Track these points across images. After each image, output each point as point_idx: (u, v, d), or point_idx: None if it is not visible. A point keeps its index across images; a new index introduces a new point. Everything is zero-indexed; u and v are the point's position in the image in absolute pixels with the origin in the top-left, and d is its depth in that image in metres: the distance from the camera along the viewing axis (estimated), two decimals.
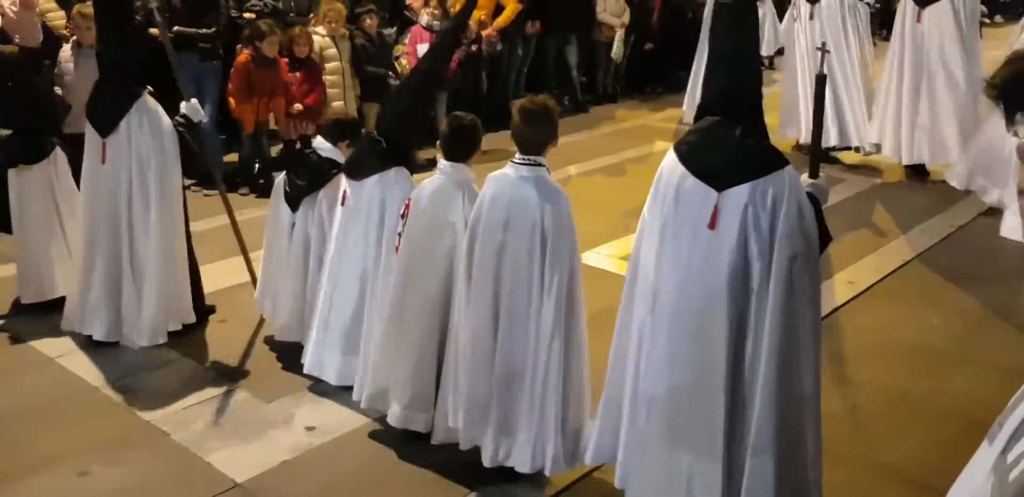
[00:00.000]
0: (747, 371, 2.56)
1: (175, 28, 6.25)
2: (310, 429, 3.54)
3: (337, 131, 4.01)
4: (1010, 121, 0.68)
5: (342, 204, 3.65)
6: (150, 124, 4.00)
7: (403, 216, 3.33)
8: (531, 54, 9.02)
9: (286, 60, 6.43)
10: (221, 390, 3.83)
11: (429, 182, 3.29)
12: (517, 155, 3.01)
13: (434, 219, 3.23)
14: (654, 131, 8.77)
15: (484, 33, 8.03)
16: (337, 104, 6.61)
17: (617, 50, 9.61)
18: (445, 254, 3.23)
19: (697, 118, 2.67)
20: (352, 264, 3.64)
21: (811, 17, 7.39)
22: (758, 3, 8.20)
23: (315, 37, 6.61)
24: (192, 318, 4.28)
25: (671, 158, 2.65)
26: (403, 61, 7.35)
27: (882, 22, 11.72)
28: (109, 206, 4.05)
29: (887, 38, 8.47)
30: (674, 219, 2.60)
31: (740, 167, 2.51)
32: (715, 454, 2.60)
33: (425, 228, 3.25)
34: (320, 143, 4.01)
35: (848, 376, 4.04)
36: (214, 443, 3.43)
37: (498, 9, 8.26)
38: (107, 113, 4.00)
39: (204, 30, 6.44)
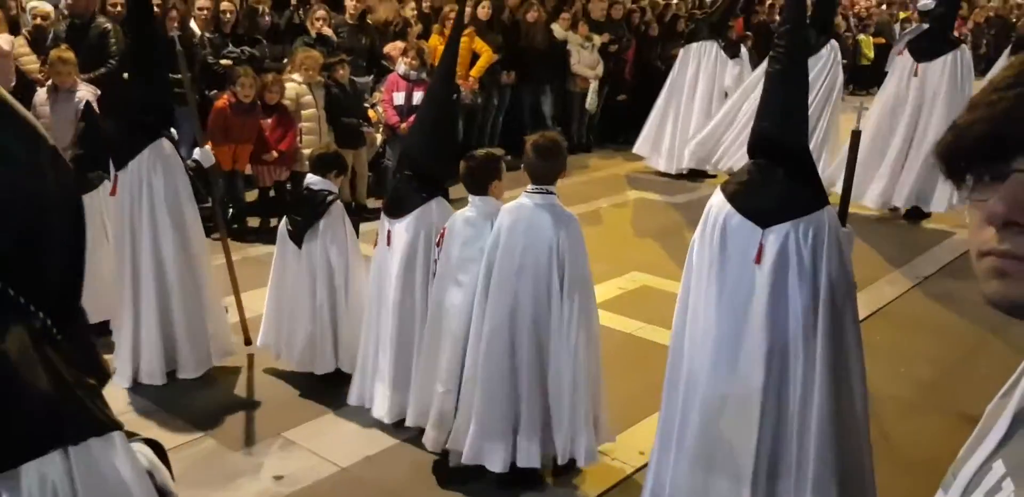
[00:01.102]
0: (791, 404, 2.74)
1: None
2: (278, 478, 3.48)
3: (323, 164, 4.19)
4: (960, 186, 0.70)
5: (388, 244, 3.78)
6: (163, 165, 4.09)
7: (437, 244, 3.56)
8: (507, 104, 9.16)
9: (224, 103, 6.46)
10: (193, 437, 3.77)
11: (461, 213, 3.52)
12: (530, 186, 3.31)
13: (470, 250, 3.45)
14: (627, 180, 8.89)
15: (463, 83, 8.16)
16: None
17: (591, 101, 9.78)
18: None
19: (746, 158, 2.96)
20: (412, 299, 3.72)
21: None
22: (735, 59, 8.55)
23: (291, 84, 6.67)
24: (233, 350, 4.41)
25: (718, 198, 2.88)
26: (379, 109, 7.42)
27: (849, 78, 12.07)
28: (124, 238, 4.14)
29: (853, 92, 8.78)
30: (721, 254, 2.81)
31: (784, 206, 2.75)
32: (744, 481, 2.78)
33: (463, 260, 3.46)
34: (311, 178, 4.19)
35: None
36: (179, 492, 3.34)
37: (475, 59, 8.40)
38: (121, 148, 4.12)
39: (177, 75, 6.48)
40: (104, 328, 4.34)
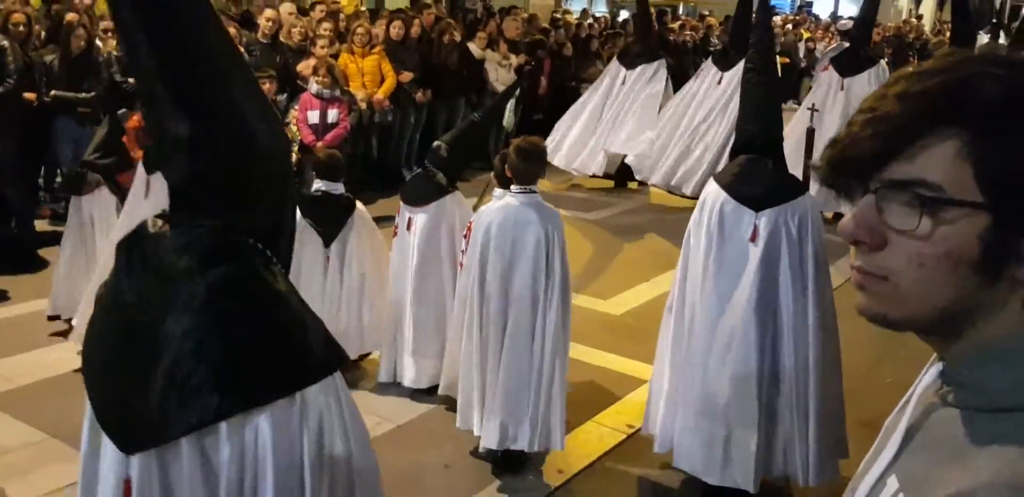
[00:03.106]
0: (786, 353, 3.27)
1: (52, 92, 6.06)
2: None
3: (329, 169, 4.47)
4: (847, 200, 0.74)
5: (407, 229, 4.26)
6: None
7: (465, 237, 3.87)
8: (423, 121, 9.13)
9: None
10: None
11: (488, 208, 3.79)
12: (514, 186, 3.63)
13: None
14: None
15: (375, 101, 8.11)
16: None
17: (508, 119, 9.80)
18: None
19: (732, 157, 3.52)
20: (433, 280, 4.24)
21: (719, 82, 8.26)
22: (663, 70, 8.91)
23: None
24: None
25: (713, 187, 3.42)
26: (293, 128, 7.30)
27: None
28: None
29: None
30: (720, 235, 3.33)
31: (773, 193, 3.31)
32: (752, 426, 3.26)
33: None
34: (322, 184, 4.43)
35: None
36: None
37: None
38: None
39: (83, 94, 6.27)
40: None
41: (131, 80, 6.69)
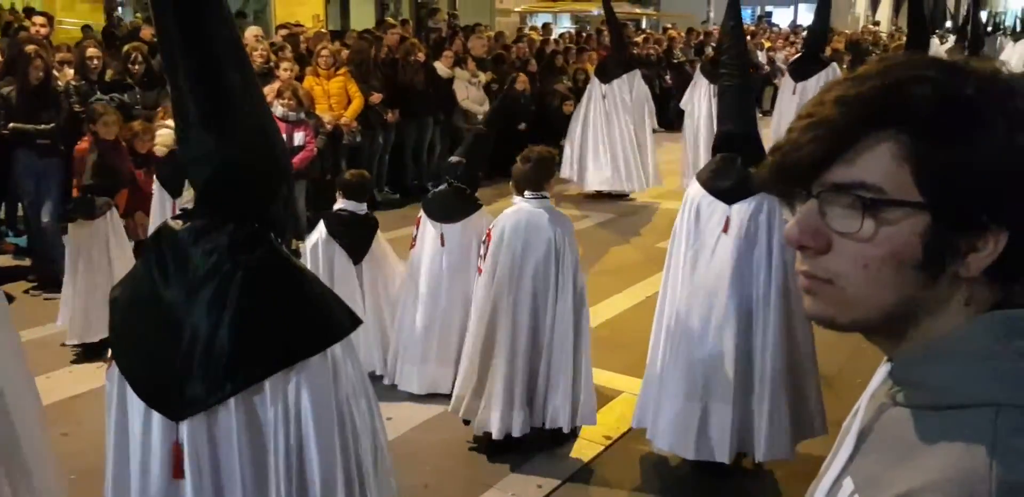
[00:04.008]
0: (759, 335, 3.51)
1: (11, 125, 5.99)
2: None
3: (354, 190, 4.71)
4: (788, 206, 0.75)
5: (442, 245, 4.44)
6: None
7: (484, 243, 4.04)
8: (391, 142, 9.12)
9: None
10: None
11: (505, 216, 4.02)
12: (526, 192, 3.87)
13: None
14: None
15: (342, 122, 8.10)
16: None
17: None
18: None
19: (713, 155, 3.80)
20: (462, 290, 4.41)
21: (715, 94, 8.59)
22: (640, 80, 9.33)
23: (165, 130, 6.45)
24: None
25: (694, 185, 3.71)
26: None
27: None
28: None
29: None
30: (695, 226, 3.61)
31: (744, 187, 3.50)
32: (727, 401, 3.52)
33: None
34: (352, 205, 4.66)
35: None
36: None
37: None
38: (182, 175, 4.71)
39: (43, 126, 6.20)
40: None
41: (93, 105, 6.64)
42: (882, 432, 0.87)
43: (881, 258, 0.83)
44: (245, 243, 2.05)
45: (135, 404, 2.03)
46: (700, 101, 8.87)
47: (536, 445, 4.00)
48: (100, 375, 4.49)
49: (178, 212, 4.42)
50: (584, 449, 4.10)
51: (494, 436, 3.87)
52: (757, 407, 3.53)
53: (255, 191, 2.11)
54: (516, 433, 3.84)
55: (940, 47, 15.69)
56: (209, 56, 2.00)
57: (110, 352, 2.17)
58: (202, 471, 1.98)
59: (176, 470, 1.99)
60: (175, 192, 4.76)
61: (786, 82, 8.89)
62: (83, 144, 6.03)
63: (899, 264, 0.83)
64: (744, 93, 3.92)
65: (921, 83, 0.82)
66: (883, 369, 0.93)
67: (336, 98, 8.11)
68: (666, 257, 3.80)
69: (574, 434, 4.08)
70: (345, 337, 2.13)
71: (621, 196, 9.31)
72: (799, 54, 10.04)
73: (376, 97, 8.49)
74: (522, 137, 10.45)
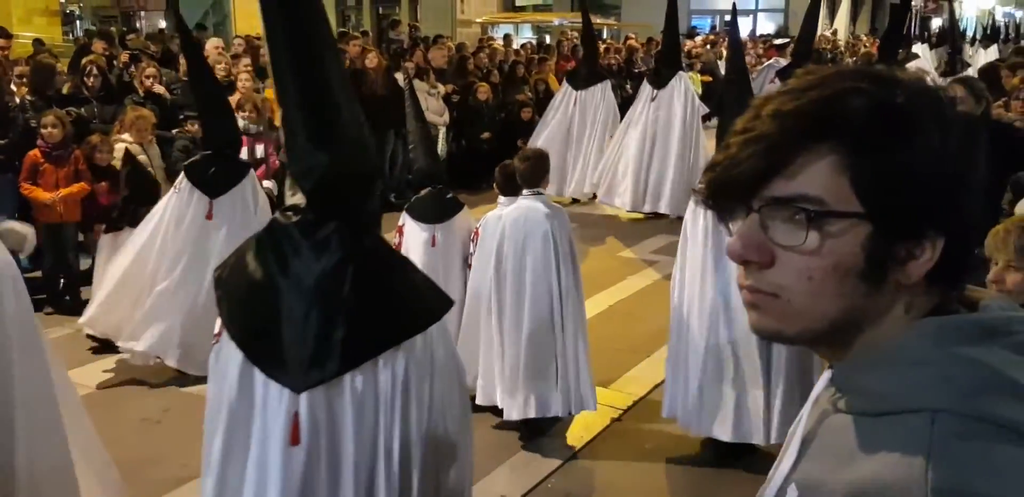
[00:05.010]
0: None
1: None
2: None
3: None
4: (724, 221, 0.76)
5: (433, 245, 4.55)
6: (253, 191, 5.08)
7: (472, 240, 4.43)
8: None
9: (84, 167, 6.12)
10: None
11: (493, 214, 4.37)
12: (524, 190, 4.19)
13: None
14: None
15: None
16: None
17: (441, 148, 9.83)
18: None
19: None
20: (455, 284, 4.49)
21: (652, 99, 8.57)
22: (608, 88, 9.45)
23: (121, 145, 6.38)
24: None
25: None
26: None
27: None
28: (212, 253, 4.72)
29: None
30: (714, 224, 3.62)
31: None
32: (757, 383, 3.77)
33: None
34: None
35: None
36: None
37: None
38: (219, 178, 4.96)
39: None
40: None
41: (45, 124, 6.53)
42: (824, 438, 0.88)
43: (825, 269, 0.83)
44: (352, 235, 2.29)
45: (257, 377, 2.23)
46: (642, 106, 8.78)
47: (538, 429, 4.28)
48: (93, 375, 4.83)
49: (212, 211, 4.86)
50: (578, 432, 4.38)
51: (524, 416, 4.14)
52: (774, 390, 3.77)
53: (355, 192, 2.36)
54: (515, 417, 4.13)
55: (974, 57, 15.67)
56: (317, 79, 2.26)
57: (218, 328, 2.34)
58: (318, 438, 2.20)
59: (294, 437, 2.19)
60: (212, 193, 4.91)
61: (769, 87, 8.89)
62: (33, 152, 5.95)
63: (843, 274, 0.83)
64: (745, 95, 4.17)
65: (856, 94, 0.83)
66: (825, 376, 0.94)
67: None
68: (679, 252, 4.02)
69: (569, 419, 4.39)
70: (441, 318, 2.40)
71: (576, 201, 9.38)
72: (779, 62, 10.22)
73: None
74: (487, 146, 10.52)
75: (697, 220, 3.92)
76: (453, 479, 2.45)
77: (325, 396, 2.21)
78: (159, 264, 4.94)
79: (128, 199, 5.56)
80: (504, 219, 4.20)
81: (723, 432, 3.86)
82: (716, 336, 3.83)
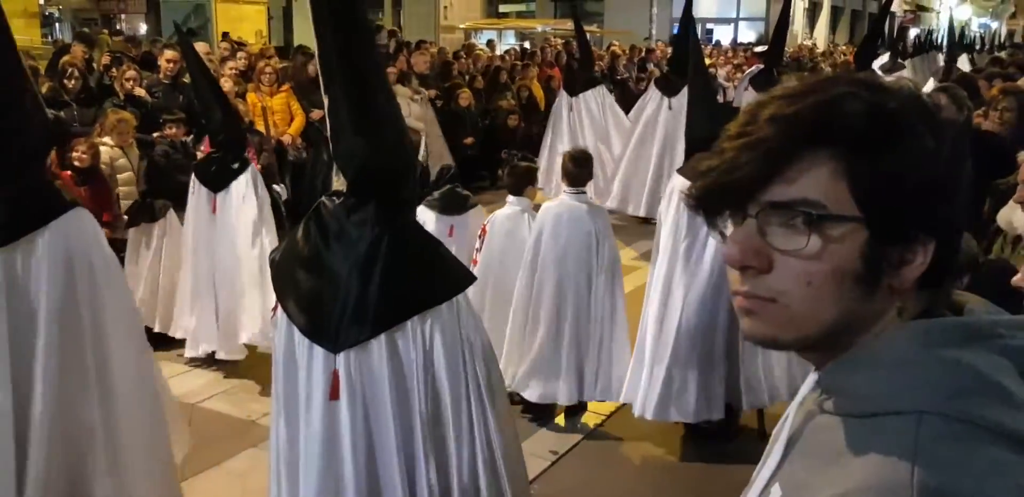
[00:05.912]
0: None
1: None
2: None
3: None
4: (713, 226, 0.77)
5: (450, 235, 4.69)
6: (253, 185, 5.21)
7: (480, 236, 4.61)
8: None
9: (68, 173, 6.07)
10: None
11: (501, 212, 4.64)
12: (567, 188, 4.37)
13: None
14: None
15: (285, 140, 8.02)
16: None
17: (423, 154, 9.80)
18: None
19: (687, 157, 4.18)
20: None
21: (670, 107, 8.62)
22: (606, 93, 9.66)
23: (103, 148, 6.32)
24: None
25: (678, 180, 3.99)
26: None
27: None
28: (222, 249, 5.11)
29: None
30: (685, 219, 3.92)
31: None
32: (720, 368, 4.01)
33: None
34: None
35: None
36: None
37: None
38: (221, 173, 5.17)
39: None
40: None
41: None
42: (810, 439, 0.88)
43: (825, 274, 0.84)
44: (388, 216, 2.56)
45: (301, 341, 2.52)
46: (655, 114, 8.86)
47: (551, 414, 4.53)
48: None
49: (217, 204, 5.11)
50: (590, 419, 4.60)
51: (564, 402, 4.39)
52: (741, 366, 4.00)
53: (392, 178, 2.60)
54: (563, 401, 4.39)
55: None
56: (361, 75, 2.50)
57: (274, 303, 2.67)
58: (355, 393, 2.48)
59: (333, 392, 2.47)
60: (215, 187, 5.16)
61: (750, 96, 9.01)
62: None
63: (841, 279, 0.84)
64: (712, 98, 4.38)
65: (853, 99, 0.84)
66: (812, 377, 0.94)
67: (279, 115, 8.04)
68: (654, 248, 4.17)
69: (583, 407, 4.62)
70: (464, 289, 2.66)
71: None
72: (757, 68, 10.52)
73: (317, 114, 8.42)
74: (470, 151, 10.53)
75: (667, 220, 4.04)
76: (487, 440, 2.66)
77: (360, 357, 2.49)
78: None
79: (145, 193, 5.79)
80: (547, 214, 4.34)
81: (684, 414, 4.05)
82: (680, 328, 4.00)
